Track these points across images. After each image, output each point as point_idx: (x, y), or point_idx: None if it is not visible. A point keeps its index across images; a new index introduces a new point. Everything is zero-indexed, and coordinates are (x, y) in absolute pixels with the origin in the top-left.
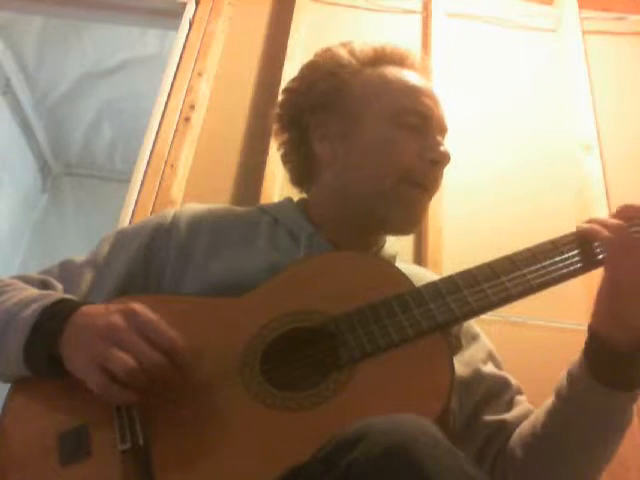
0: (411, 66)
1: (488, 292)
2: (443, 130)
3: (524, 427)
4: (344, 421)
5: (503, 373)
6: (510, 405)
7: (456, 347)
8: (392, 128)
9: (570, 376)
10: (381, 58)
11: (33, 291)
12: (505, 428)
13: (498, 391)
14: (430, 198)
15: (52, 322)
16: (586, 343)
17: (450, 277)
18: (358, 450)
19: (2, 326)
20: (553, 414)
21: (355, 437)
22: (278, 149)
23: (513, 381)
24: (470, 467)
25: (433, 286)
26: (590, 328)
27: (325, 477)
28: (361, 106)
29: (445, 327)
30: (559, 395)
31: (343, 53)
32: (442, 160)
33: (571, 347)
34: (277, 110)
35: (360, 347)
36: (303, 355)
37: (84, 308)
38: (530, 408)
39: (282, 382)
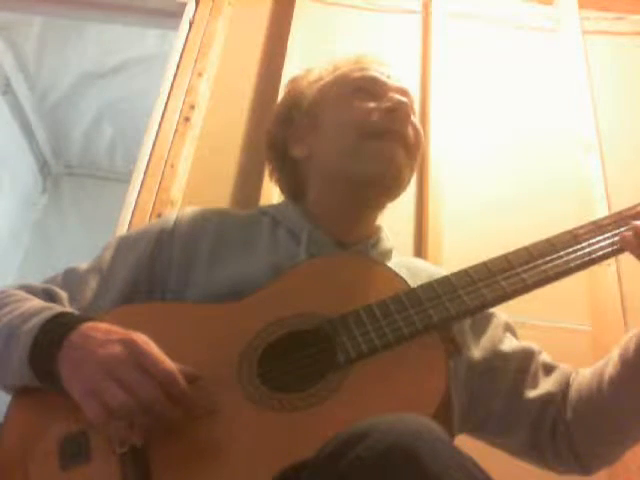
0: (368, 62)
1: (483, 291)
2: (402, 91)
3: (584, 390)
4: (341, 421)
5: (522, 343)
6: (538, 372)
7: (459, 345)
8: (348, 100)
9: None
10: (340, 66)
11: (35, 303)
12: (552, 400)
13: (526, 364)
14: (403, 147)
15: (49, 337)
16: None
17: (446, 277)
18: (361, 448)
19: (4, 340)
20: (616, 379)
21: (358, 435)
22: (271, 179)
23: (532, 345)
24: (472, 466)
25: (428, 286)
26: None
27: (327, 474)
28: (321, 98)
29: (441, 326)
30: (623, 360)
31: (302, 78)
32: (397, 107)
33: (571, 347)
34: (265, 152)
35: (356, 348)
36: (300, 357)
37: (84, 327)
38: (564, 368)
39: (279, 384)
